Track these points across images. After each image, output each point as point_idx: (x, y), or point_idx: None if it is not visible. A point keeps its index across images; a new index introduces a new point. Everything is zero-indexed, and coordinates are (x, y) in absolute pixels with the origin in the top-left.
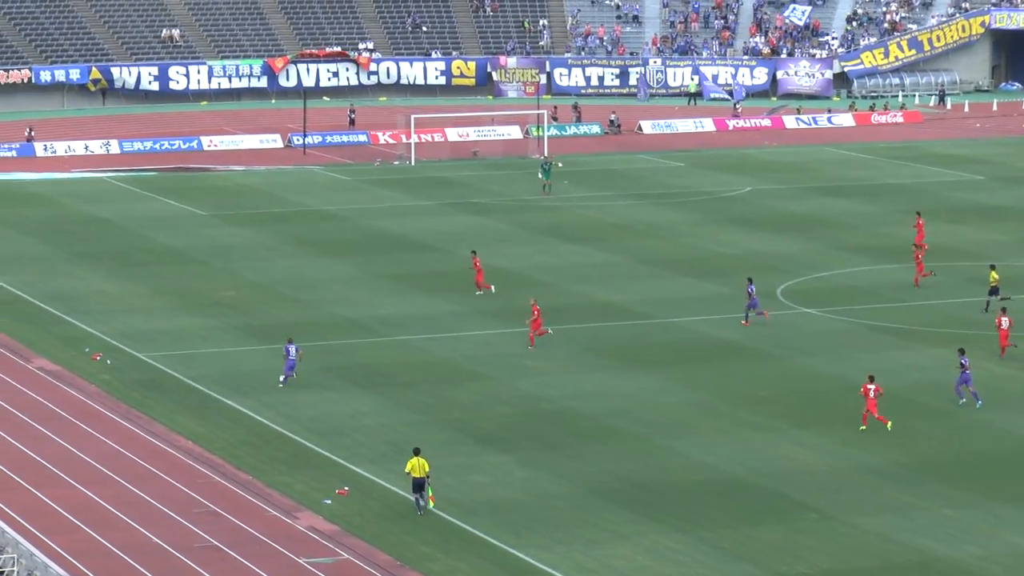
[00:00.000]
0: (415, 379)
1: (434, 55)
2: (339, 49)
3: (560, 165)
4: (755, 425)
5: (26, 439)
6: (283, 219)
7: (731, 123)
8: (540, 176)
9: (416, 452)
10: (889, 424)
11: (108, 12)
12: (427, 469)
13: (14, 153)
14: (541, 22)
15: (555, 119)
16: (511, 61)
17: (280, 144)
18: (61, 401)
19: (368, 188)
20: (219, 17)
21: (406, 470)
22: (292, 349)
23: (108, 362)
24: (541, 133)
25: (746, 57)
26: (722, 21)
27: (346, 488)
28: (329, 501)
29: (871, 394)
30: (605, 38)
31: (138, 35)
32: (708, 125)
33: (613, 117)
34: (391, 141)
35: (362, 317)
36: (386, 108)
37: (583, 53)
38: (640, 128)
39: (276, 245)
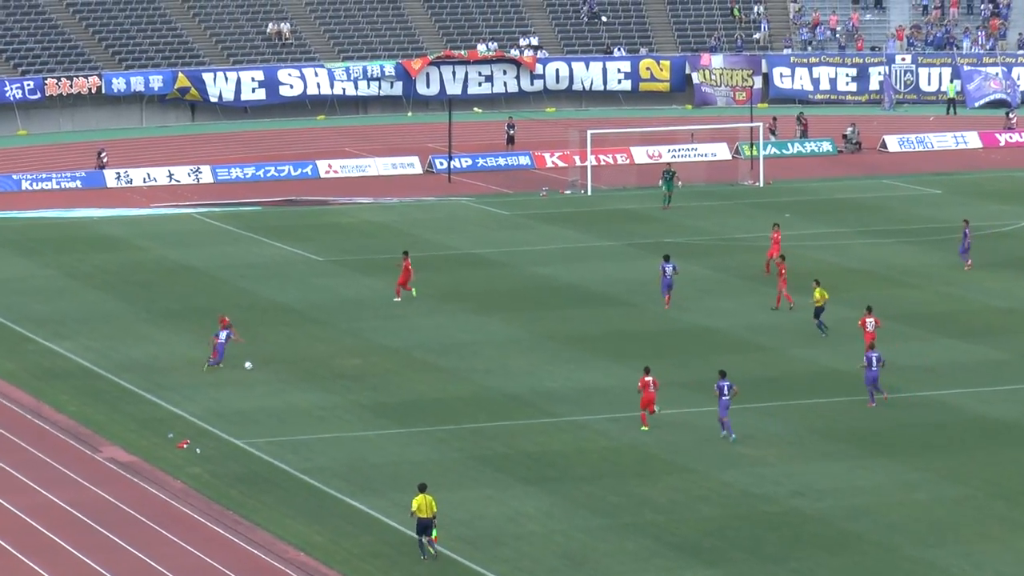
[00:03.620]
0: (595, 472)
1: (617, 53)
2: (495, 47)
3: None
4: None
5: (93, 550)
6: (424, 265)
7: (1003, 138)
8: (661, 186)
9: (422, 488)
10: None
11: (199, 3)
12: (435, 509)
13: (79, 183)
14: (756, 9)
15: (773, 133)
16: (716, 60)
17: (419, 169)
18: (138, 501)
19: (532, 225)
20: (341, 7)
21: (412, 509)
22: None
23: (198, 451)
24: (756, 153)
25: (1022, 52)
26: (990, 6)
27: None
28: None
29: None
30: (838, 29)
31: (238, 31)
32: (973, 141)
33: (849, 131)
34: (561, 164)
35: (525, 391)
36: (555, 122)
37: (810, 48)
38: (884, 145)
39: (417, 300)
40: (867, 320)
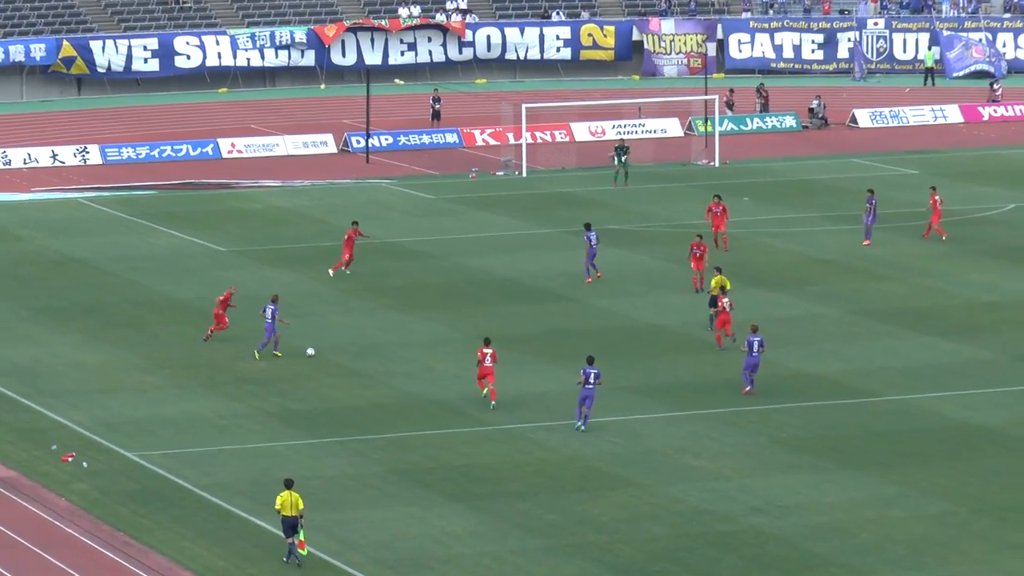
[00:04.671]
0: (530, 487)
1: (555, 17)
2: (419, 12)
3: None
4: None
5: None
6: (337, 257)
7: (987, 112)
8: (613, 161)
9: (288, 484)
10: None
11: None
12: (301, 507)
13: None
14: None
15: (730, 107)
16: (667, 25)
17: (333, 148)
18: (17, 521)
19: (461, 210)
20: None
21: (276, 507)
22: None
23: (84, 464)
24: (710, 129)
25: (1008, 16)
26: None
27: None
28: None
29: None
30: None
31: None
32: (953, 115)
33: (815, 104)
34: (493, 142)
35: (452, 397)
36: (486, 94)
37: (771, 12)
38: (854, 120)
39: (328, 294)
40: (723, 301)
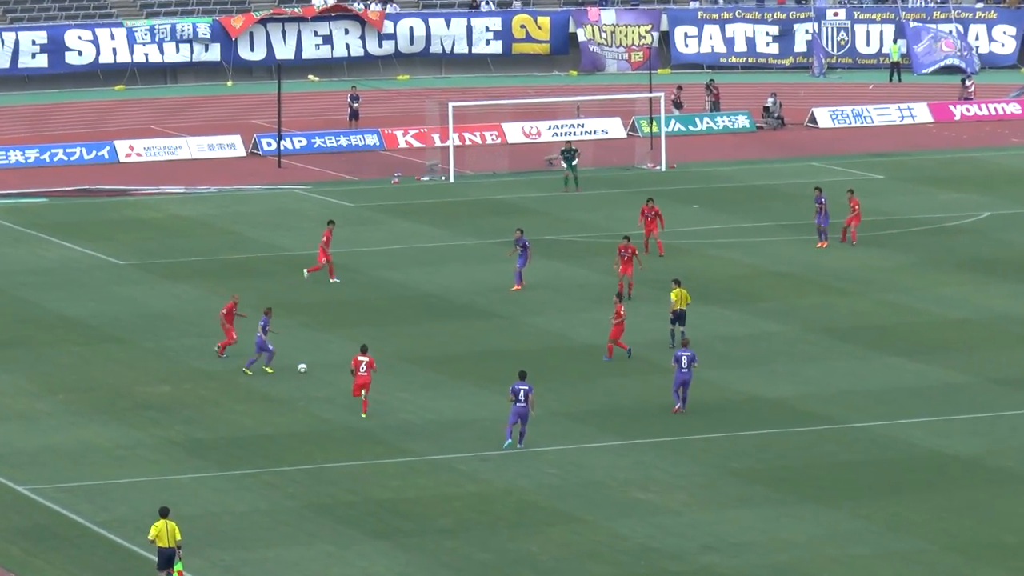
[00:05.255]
0: (460, 523)
1: (484, 7)
2: (334, 1)
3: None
4: None
5: None
6: (247, 271)
7: (958, 111)
8: (563, 165)
9: (164, 513)
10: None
11: None
12: (178, 537)
13: None
14: None
15: (678, 106)
16: (607, 15)
17: (242, 151)
18: None
19: (381, 219)
20: None
21: (150, 537)
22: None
23: None
24: (656, 129)
25: (980, 6)
26: None
27: None
28: None
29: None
30: None
31: None
32: (922, 114)
33: (770, 103)
34: (417, 144)
35: (374, 425)
36: (409, 92)
37: (722, 2)
38: (813, 119)
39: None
40: (620, 308)
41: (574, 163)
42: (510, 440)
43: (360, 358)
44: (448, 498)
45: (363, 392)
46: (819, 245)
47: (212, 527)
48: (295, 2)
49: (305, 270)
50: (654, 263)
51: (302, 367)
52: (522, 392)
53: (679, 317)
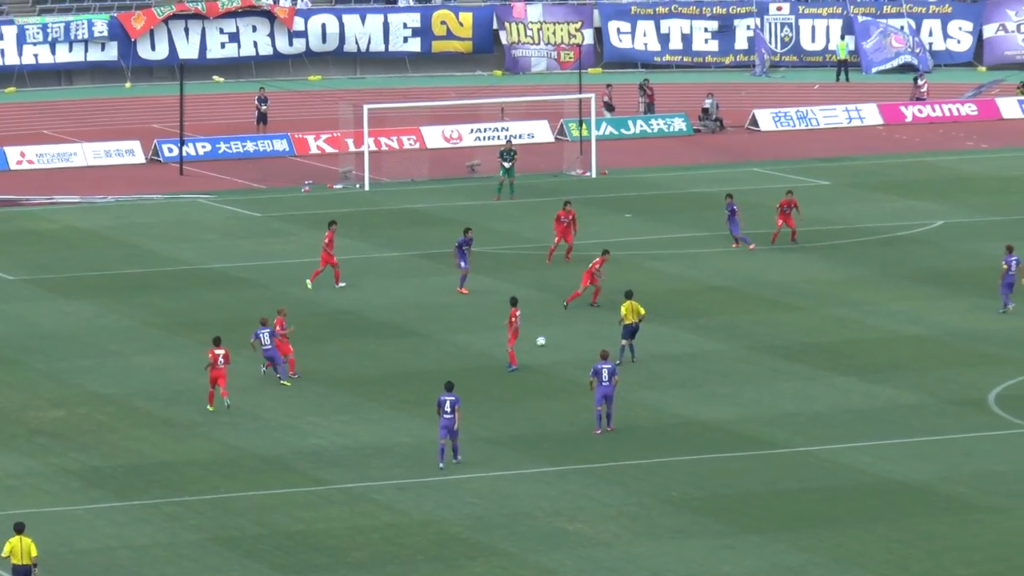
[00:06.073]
0: (376, 557)
1: (402, 3)
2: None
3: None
4: None
5: None
6: (147, 286)
7: (910, 112)
8: (500, 171)
9: (19, 529)
10: None
11: None
12: (34, 554)
13: None
14: None
15: (610, 108)
16: (533, 11)
17: (141, 158)
18: None
19: (291, 230)
20: None
21: (3, 554)
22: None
23: None
24: (586, 133)
25: (934, 1)
26: None
27: None
28: None
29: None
30: None
31: None
32: (871, 116)
33: (709, 104)
34: (330, 150)
35: (283, 452)
36: (321, 94)
37: None
38: (755, 122)
39: (133, 330)
40: (514, 314)
41: (511, 166)
42: (442, 465)
43: (216, 351)
44: (363, 530)
45: (218, 385)
46: (732, 246)
47: (109, 562)
48: None
49: (307, 280)
50: (567, 273)
51: (541, 340)
52: (448, 403)
53: (632, 332)
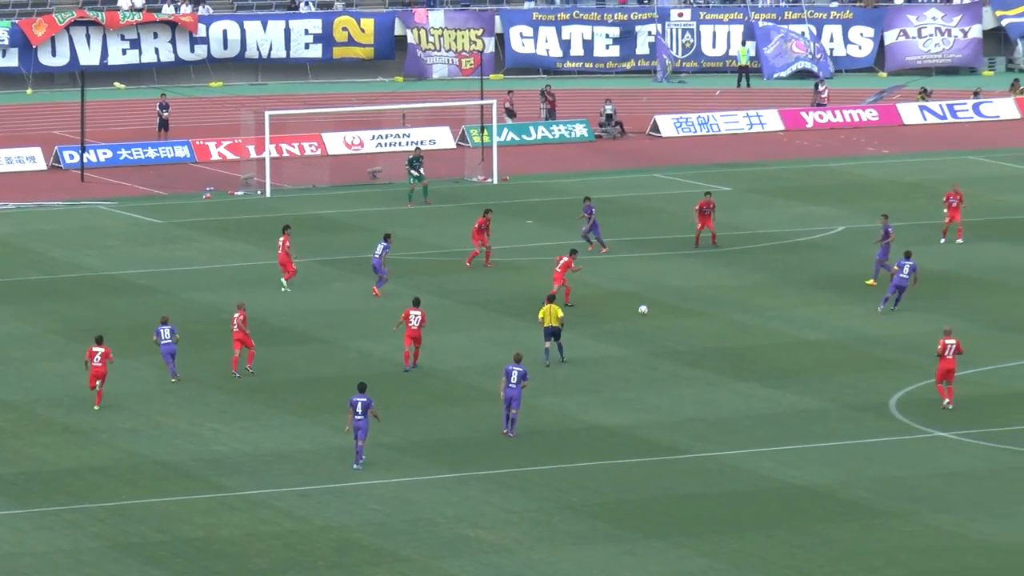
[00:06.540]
0: (277, 563)
1: (304, 8)
2: (143, 4)
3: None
4: None
5: None
6: (49, 293)
7: (811, 117)
8: (409, 179)
9: None
10: None
11: None
12: None
13: None
14: None
15: (511, 114)
16: (435, 17)
17: (42, 164)
18: None
19: (193, 237)
20: None
21: None
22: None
23: None
24: (487, 139)
25: (835, 6)
26: None
27: None
28: None
29: None
30: None
31: None
32: (772, 121)
33: (610, 109)
34: (231, 156)
35: (184, 458)
36: (222, 100)
37: (558, 2)
38: (656, 128)
39: (36, 337)
40: (411, 313)
41: (420, 171)
42: (357, 466)
43: (95, 348)
44: (264, 536)
45: (98, 383)
46: (589, 248)
47: (11, 569)
48: (100, 4)
49: (283, 281)
50: (482, 279)
51: (643, 308)
52: (359, 404)
53: (552, 333)
